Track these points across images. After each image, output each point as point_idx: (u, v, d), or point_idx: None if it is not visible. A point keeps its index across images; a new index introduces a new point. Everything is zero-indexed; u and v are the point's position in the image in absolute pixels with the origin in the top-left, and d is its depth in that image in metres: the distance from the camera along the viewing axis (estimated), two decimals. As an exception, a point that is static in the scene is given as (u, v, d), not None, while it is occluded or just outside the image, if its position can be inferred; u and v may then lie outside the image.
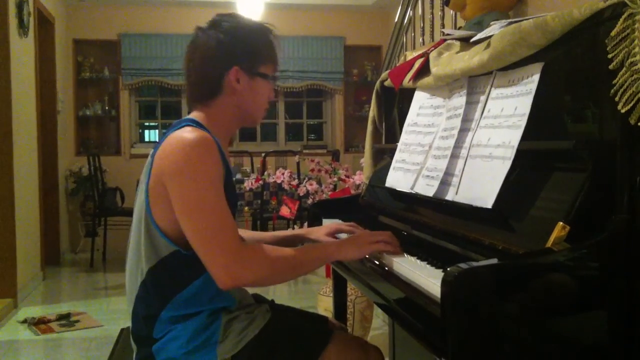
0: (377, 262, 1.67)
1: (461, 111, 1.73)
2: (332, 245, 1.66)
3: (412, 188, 1.88)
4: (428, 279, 1.36)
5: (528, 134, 1.43)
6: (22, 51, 4.96)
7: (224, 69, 1.64)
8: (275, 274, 1.57)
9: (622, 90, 1.19)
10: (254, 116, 1.74)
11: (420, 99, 2.07)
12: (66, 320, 4.19)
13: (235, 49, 1.64)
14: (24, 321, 4.16)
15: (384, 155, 2.44)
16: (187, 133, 1.54)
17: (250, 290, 1.82)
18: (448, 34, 2.09)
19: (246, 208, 5.53)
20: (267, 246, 1.58)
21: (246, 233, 1.98)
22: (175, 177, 1.51)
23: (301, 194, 3.89)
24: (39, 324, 4.09)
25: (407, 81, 2.14)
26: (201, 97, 1.68)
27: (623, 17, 1.20)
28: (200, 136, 1.53)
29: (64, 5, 6.80)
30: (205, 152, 1.52)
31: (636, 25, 1.18)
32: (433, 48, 2.02)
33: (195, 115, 1.68)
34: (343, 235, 1.90)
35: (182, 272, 1.58)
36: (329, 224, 1.99)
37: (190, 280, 1.58)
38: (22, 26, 4.91)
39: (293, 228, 3.75)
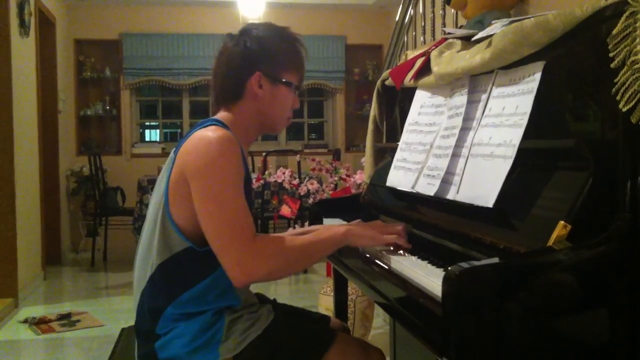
0: (378, 261, 1.67)
1: (462, 110, 1.73)
2: (344, 230, 1.65)
3: (413, 187, 1.88)
4: (429, 278, 1.35)
5: (529, 133, 1.42)
6: (23, 51, 4.97)
7: (247, 73, 1.67)
8: (288, 265, 1.57)
9: (623, 88, 1.19)
10: (274, 123, 1.75)
11: (421, 98, 2.07)
12: (67, 320, 4.19)
13: (259, 55, 1.67)
14: (25, 321, 4.16)
15: (385, 155, 2.44)
16: (211, 132, 1.57)
17: (253, 289, 1.82)
18: (449, 33, 2.08)
19: (247, 207, 5.52)
20: (279, 237, 1.59)
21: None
22: (197, 173, 1.53)
23: (302, 193, 3.89)
24: (39, 323, 4.09)
25: (408, 80, 2.14)
26: (224, 100, 1.71)
27: (625, 15, 1.20)
28: (223, 135, 1.56)
29: (65, 5, 6.81)
30: (228, 149, 1.54)
31: (638, 24, 1.18)
32: (434, 47, 2.02)
33: (219, 116, 1.70)
34: None
35: (192, 269, 1.59)
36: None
37: (200, 278, 1.59)
38: (23, 26, 4.91)
39: (294, 228, 3.74)
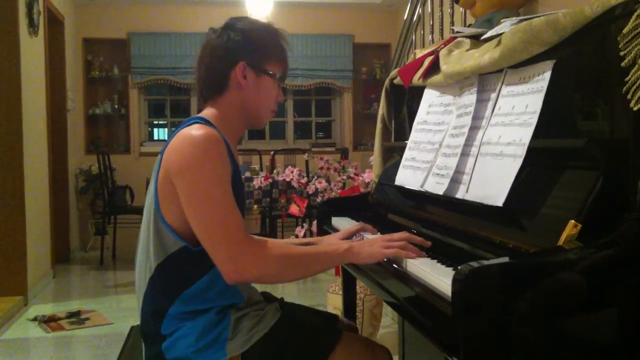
0: (386, 260, 1.67)
1: (471, 109, 1.72)
2: (344, 247, 1.62)
3: (422, 186, 1.87)
4: (439, 277, 1.35)
5: (539, 132, 1.42)
6: (32, 50, 4.99)
7: (231, 63, 1.67)
8: (281, 271, 1.56)
9: (634, 87, 1.18)
10: (259, 116, 1.74)
11: (430, 96, 2.07)
12: (76, 317, 4.21)
13: (243, 45, 1.67)
14: (35, 319, 4.18)
15: (393, 154, 2.44)
16: (194, 130, 1.56)
17: (260, 288, 1.83)
18: (458, 32, 2.08)
19: (255, 206, 5.53)
20: (276, 241, 1.59)
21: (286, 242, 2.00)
22: (182, 173, 1.53)
23: (310, 192, 3.89)
24: (49, 321, 4.11)
25: (416, 79, 2.13)
26: (208, 92, 1.70)
27: (635, 14, 1.19)
28: (207, 133, 1.55)
29: (74, 4, 6.83)
30: (212, 148, 1.54)
31: (649, 22, 1.17)
32: (443, 46, 2.02)
33: (204, 113, 1.70)
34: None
35: (190, 268, 1.59)
36: (340, 230, 1.96)
37: (198, 276, 1.59)
38: (32, 25, 4.93)
39: (302, 226, 3.75)
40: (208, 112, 1.70)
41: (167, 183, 1.56)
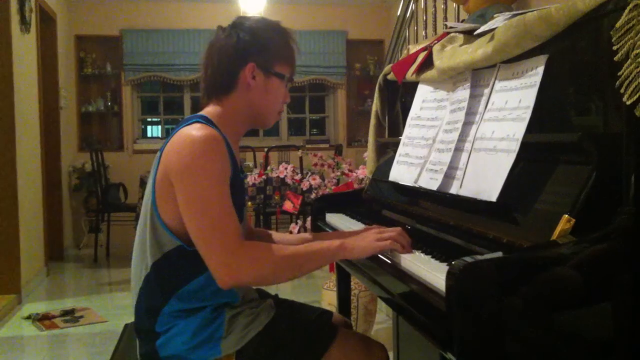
0: (381, 256, 1.67)
1: (465, 104, 1.72)
2: (336, 244, 1.62)
3: (415, 182, 1.87)
4: (433, 272, 1.35)
5: (532, 127, 1.42)
6: (24, 47, 4.96)
7: (240, 64, 1.65)
8: (276, 273, 1.55)
9: (627, 82, 1.18)
10: (266, 116, 1.73)
11: (423, 92, 2.06)
12: (70, 315, 4.20)
13: (252, 46, 1.66)
14: (28, 317, 4.17)
15: (387, 149, 2.44)
16: (195, 130, 1.54)
17: (254, 285, 1.82)
18: (451, 27, 2.08)
19: (249, 203, 5.51)
20: (269, 244, 1.57)
21: (282, 236, 1.99)
22: (180, 174, 1.51)
23: (304, 189, 3.88)
24: (43, 319, 4.10)
25: (410, 75, 2.13)
26: (216, 92, 1.69)
27: (628, 8, 1.19)
28: (208, 134, 1.54)
29: (66, 1, 6.80)
30: (212, 149, 1.52)
31: (641, 17, 1.17)
32: (436, 41, 2.02)
33: (207, 111, 1.68)
34: None
35: (185, 267, 1.58)
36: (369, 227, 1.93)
37: (194, 275, 1.59)
38: (24, 22, 4.91)
39: (296, 223, 3.74)
40: (211, 110, 1.68)
41: (166, 182, 1.55)
